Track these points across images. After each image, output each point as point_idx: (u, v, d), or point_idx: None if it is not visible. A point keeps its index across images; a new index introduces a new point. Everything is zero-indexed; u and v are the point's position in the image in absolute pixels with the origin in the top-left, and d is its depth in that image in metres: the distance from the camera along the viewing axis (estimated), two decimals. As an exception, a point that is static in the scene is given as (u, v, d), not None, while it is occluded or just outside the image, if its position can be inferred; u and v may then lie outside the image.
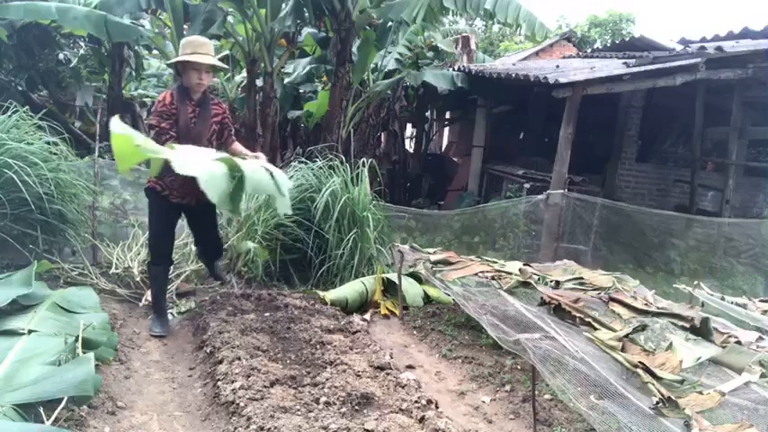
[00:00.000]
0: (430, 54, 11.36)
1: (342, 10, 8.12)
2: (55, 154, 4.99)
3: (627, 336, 3.06)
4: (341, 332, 4.22)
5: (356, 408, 3.04)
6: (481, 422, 3.24)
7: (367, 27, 9.09)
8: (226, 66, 3.61)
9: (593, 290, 4.01)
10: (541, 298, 3.60)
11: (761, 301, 4.39)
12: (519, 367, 3.93)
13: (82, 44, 10.72)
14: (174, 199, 3.96)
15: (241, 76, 11.80)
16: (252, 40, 9.35)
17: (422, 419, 2.91)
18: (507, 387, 3.64)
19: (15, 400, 2.47)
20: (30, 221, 4.65)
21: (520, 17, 7.88)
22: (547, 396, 3.52)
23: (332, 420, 2.83)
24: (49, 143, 5.00)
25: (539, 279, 4.27)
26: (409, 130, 14.94)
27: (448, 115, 14.98)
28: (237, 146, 4.19)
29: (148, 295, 4.49)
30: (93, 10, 7.25)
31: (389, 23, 9.15)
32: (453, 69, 10.27)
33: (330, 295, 4.91)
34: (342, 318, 4.56)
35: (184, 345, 4.01)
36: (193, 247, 4.98)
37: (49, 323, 3.42)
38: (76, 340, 3.13)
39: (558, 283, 4.17)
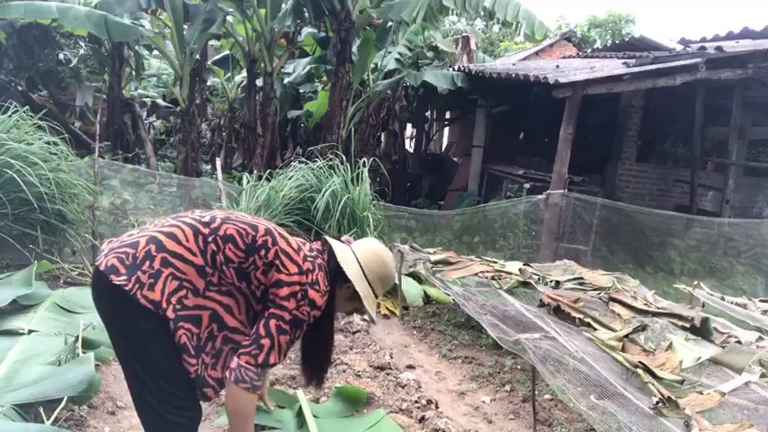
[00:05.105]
0: (430, 54, 11.35)
1: (342, 10, 8.12)
2: (55, 154, 4.99)
3: (627, 336, 3.06)
4: (341, 332, 4.22)
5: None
6: (481, 422, 3.24)
7: (367, 27, 9.09)
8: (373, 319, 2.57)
9: (593, 290, 4.01)
10: (541, 300, 3.60)
11: (761, 301, 4.39)
12: (519, 367, 3.93)
13: (82, 44, 10.74)
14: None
15: (241, 76, 11.82)
16: (252, 40, 9.37)
17: (422, 419, 2.91)
18: (507, 387, 3.64)
19: (15, 400, 2.47)
20: (30, 221, 4.65)
21: (519, 16, 7.89)
22: (547, 396, 3.52)
23: (332, 420, 2.83)
24: (49, 143, 5.00)
25: (539, 279, 4.27)
26: (409, 130, 14.94)
27: (448, 115, 14.98)
28: None
29: None
30: (93, 9, 7.27)
31: (389, 23, 9.16)
32: (453, 69, 10.27)
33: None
34: (342, 318, 4.55)
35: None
36: None
37: (49, 323, 3.42)
38: (76, 340, 3.13)
39: (558, 283, 4.17)
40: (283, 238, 1.98)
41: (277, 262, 1.90)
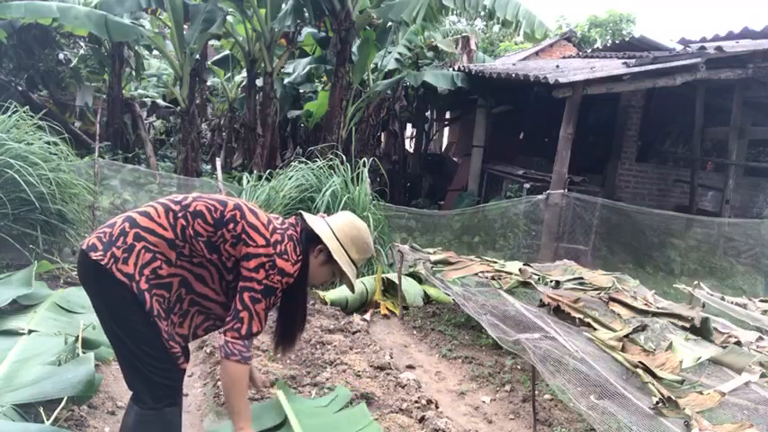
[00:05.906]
0: (430, 54, 11.35)
1: (342, 10, 8.12)
2: (55, 154, 4.99)
3: (627, 336, 3.06)
4: (341, 332, 4.22)
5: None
6: (481, 422, 3.24)
7: (367, 27, 9.09)
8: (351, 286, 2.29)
9: (593, 290, 4.01)
10: (541, 300, 3.60)
11: (761, 301, 4.39)
12: (519, 367, 3.93)
13: (82, 44, 10.75)
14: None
15: (241, 76, 11.82)
16: (252, 40, 9.37)
17: (422, 419, 2.91)
18: (507, 387, 3.64)
19: (15, 400, 2.47)
20: (30, 221, 4.65)
21: (519, 15, 7.90)
22: (547, 396, 3.52)
23: (332, 420, 2.82)
24: (49, 143, 5.01)
25: (539, 279, 4.27)
26: (409, 130, 14.94)
27: (448, 115, 14.98)
28: None
29: None
30: (93, 9, 7.28)
31: (389, 23, 9.16)
32: (453, 69, 10.27)
33: (330, 295, 4.92)
34: (342, 318, 4.56)
35: (184, 345, 4.01)
36: None
37: (49, 323, 3.42)
38: (76, 340, 3.13)
39: (558, 283, 4.17)
40: (252, 213, 2.06)
41: (244, 236, 2.00)
